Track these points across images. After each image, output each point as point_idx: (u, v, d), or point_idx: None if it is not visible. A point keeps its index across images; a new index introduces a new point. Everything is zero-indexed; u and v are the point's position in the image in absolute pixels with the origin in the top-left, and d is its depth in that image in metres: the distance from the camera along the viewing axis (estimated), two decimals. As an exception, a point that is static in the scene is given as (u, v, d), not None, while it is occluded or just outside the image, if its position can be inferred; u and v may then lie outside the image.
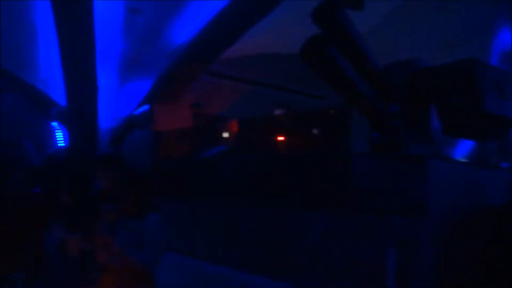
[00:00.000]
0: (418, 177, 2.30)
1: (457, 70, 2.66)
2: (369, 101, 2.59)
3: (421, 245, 2.24)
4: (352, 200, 2.33)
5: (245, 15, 3.58)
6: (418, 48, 4.01)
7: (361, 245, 2.28)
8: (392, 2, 4.21)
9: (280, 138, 3.36)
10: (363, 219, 2.37)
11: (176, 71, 4.29)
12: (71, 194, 2.94)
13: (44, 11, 3.73)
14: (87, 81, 3.75)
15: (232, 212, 3.07)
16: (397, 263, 2.19)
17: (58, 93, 4.33)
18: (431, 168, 2.29)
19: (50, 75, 4.37)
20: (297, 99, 4.74)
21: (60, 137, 5.19)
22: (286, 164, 3.00)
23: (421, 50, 3.95)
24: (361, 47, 2.52)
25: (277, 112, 3.76)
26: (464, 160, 3.14)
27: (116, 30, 3.76)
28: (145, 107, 4.32)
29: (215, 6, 3.72)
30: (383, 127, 2.59)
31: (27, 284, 2.80)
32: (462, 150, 3.40)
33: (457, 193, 2.45)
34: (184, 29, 4.07)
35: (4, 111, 5.61)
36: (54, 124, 5.21)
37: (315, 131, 3.22)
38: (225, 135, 3.90)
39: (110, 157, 3.52)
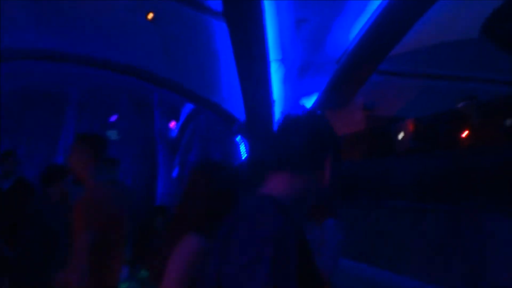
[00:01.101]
0: None
1: None
2: None
3: None
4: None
5: (410, 7, 3.33)
6: None
7: None
8: None
9: (466, 133, 2.98)
10: None
11: (344, 76, 4.25)
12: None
13: (223, 37, 4.12)
14: (263, 95, 4.03)
15: (415, 216, 2.85)
16: None
17: (238, 110, 4.71)
18: None
19: (230, 94, 4.81)
20: (484, 88, 4.15)
21: (243, 150, 5.66)
22: (474, 162, 2.65)
23: None
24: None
25: (462, 105, 3.36)
26: None
27: (285, 43, 3.93)
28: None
29: (378, 3, 3.58)
30: None
31: None
32: None
33: None
34: (350, 32, 4.02)
35: (201, 130, 6.38)
36: (238, 138, 5.72)
37: (507, 122, 2.75)
38: (400, 136, 3.66)
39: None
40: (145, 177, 6.30)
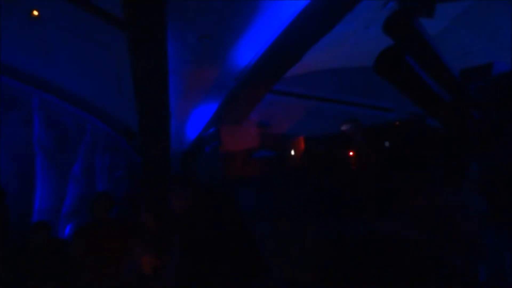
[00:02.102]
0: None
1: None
2: (448, 107, 2.48)
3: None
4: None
5: (307, 33, 3.59)
6: (490, 50, 3.81)
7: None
8: (461, 4, 4.05)
9: (350, 154, 3.30)
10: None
11: (241, 93, 4.37)
12: (154, 216, 3.03)
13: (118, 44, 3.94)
14: (159, 107, 3.93)
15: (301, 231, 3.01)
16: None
17: (131, 120, 4.53)
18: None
19: (123, 103, 4.61)
20: (366, 113, 4.66)
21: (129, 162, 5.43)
22: (359, 179, 2.92)
23: (495, 52, 3.75)
24: (437, 54, 2.44)
25: (345, 127, 3.70)
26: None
27: (186, 58, 3.92)
28: (212, 129, 4.42)
29: (278, 26, 3.76)
30: (463, 134, 2.47)
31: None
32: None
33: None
34: (249, 52, 4.15)
35: (87, 140, 5.93)
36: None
37: (386, 144, 3.13)
38: (292, 153, 3.90)
39: (182, 178, 3.62)
40: (19, 190, 5.64)
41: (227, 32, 3.67)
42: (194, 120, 4.56)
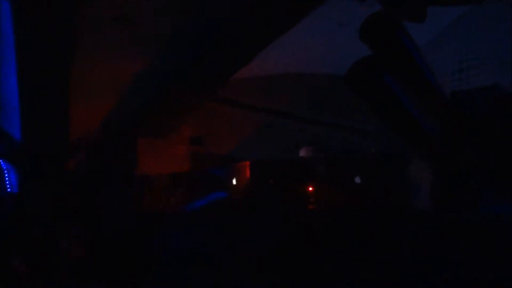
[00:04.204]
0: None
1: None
2: (434, 139, 2.65)
3: None
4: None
5: (264, 24, 3.70)
6: (490, 65, 4.08)
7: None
8: (457, 9, 4.34)
9: (309, 189, 3.40)
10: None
11: (167, 97, 4.39)
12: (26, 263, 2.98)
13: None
14: (54, 110, 3.85)
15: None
16: None
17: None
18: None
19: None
20: (334, 136, 4.79)
21: (9, 181, 5.27)
22: (319, 225, 3.04)
23: (496, 68, 4.02)
24: (423, 70, 2.62)
25: (304, 152, 3.82)
26: None
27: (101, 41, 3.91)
28: (126, 144, 4.40)
29: (224, 9, 3.84)
30: (452, 173, 2.64)
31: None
32: None
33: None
34: (182, 41, 4.18)
35: None
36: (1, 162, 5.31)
37: (357, 179, 3.26)
38: (234, 182, 3.95)
39: (81, 213, 3.57)
40: None
41: (148, 13, 3.70)
42: (101, 130, 4.53)
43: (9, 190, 5.34)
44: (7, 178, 5.29)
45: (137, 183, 4.24)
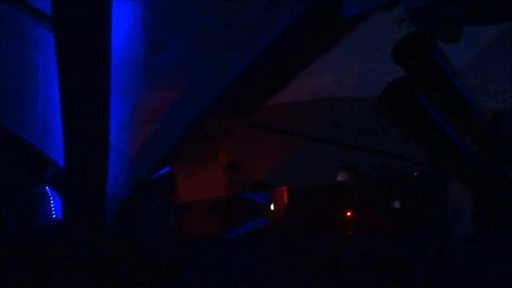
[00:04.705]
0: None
1: None
2: (473, 162, 2.57)
3: None
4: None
5: (300, 51, 3.68)
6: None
7: None
8: (496, 28, 4.23)
9: (347, 214, 3.33)
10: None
11: (205, 124, 4.39)
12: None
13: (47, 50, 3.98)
14: (95, 136, 3.90)
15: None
16: None
17: (57, 150, 4.51)
18: None
19: (46, 129, 4.59)
20: (368, 159, 4.70)
21: (53, 207, 5.35)
22: (356, 250, 2.93)
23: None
24: (460, 92, 2.53)
25: (341, 177, 3.73)
26: None
27: (134, 72, 3.95)
28: (164, 170, 4.40)
29: (259, 40, 3.84)
30: (494, 198, 2.54)
31: None
32: None
33: None
34: (218, 71, 4.20)
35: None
36: (47, 189, 5.40)
37: (396, 204, 3.17)
38: (271, 207, 3.90)
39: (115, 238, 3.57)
40: None
41: (189, 43, 3.73)
42: (140, 156, 4.54)
43: (54, 215, 5.44)
44: (52, 204, 5.40)
45: (175, 209, 4.22)
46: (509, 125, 2.73)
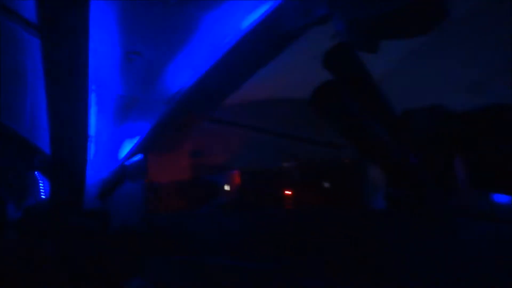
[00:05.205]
0: (445, 237, 2.27)
1: (488, 116, 2.70)
2: (387, 151, 2.62)
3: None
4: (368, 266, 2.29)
5: (250, 59, 3.69)
6: (441, 90, 4.07)
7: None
8: (411, 43, 4.33)
9: (288, 192, 3.39)
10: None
11: (173, 119, 4.37)
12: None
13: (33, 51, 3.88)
14: (76, 128, 3.83)
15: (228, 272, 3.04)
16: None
17: (44, 140, 4.42)
18: (459, 227, 2.27)
19: (34, 121, 4.48)
20: (309, 149, 4.78)
21: (42, 189, 5.25)
22: (292, 221, 2.98)
23: (445, 92, 4.01)
24: (376, 92, 2.58)
25: (284, 162, 3.78)
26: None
27: (112, 74, 3.89)
28: (138, 157, 4.36)
29: (217, 50, 3.85)
30: (402, 180, 2.61)
31: None
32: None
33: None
34: (185, 74, 4.19)
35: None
36: (37, 174, 5.28)
37: (326, 184, 3.24)
38: (227, 187, 3.93)
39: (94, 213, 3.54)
40: None
41: (159, 50, 3.70)
42: (117, 146, 4.49)
43: (43, 196, 5.33)
44: (41, 186, 5.30)
45: (146, 190, 4.20)
46: (416, 120, 2.82)
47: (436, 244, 2.38)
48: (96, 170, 4.39)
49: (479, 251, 2.29)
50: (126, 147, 4.45)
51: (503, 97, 2.85)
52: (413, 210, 2.43)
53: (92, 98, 3.93)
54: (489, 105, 2.63)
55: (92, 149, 4.18)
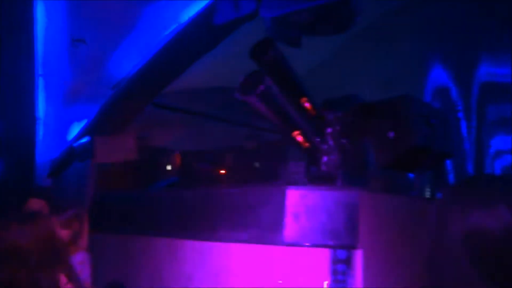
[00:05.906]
0: (350, 209, 2.44)
1: (391, 106, 2.89)
2: (305, 135, 2.76)
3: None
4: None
5: (188, 50, 3.74)
6: (360, 84, 4.29)
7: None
8: (339, 40, 4.51)
9: (222, 172, 3.49)
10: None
11: (118, 104, 4.34)
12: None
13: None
14: (25, 111, 3.76)
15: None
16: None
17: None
18: (362, 200, 2.43)
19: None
20: (245, 132, 4.90)
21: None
22: (222, 197, 3.07)
23: (363, 86, 4.24)
24: (296, 83, 2.72)
25: (223, 145, 3.88)
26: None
27: (59, 60, 3.82)
28: (85, 139, 4.32)
29: (158, 40, 3.87)
30: (318, 161, 2.76)
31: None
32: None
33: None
34: (129, 61, 4.17)
35: None
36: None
37: (256, 164, 3.37)
38: (168, 168, 3.97)
39: (43, 191, 3.49)
40: None
41: (105, 38, 3.67)
42: (65, 128, 4.41)
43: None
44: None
45: (93, 169, 4.16)
46: (333, 108, 2.97)
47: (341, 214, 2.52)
48: (45, 150, 4.31)
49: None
50: (75, 129, 4.39)
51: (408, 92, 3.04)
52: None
53: (40, 83, 3.85)
54: (392, 97, 2.83)
55: (41, 130, 4.10)
